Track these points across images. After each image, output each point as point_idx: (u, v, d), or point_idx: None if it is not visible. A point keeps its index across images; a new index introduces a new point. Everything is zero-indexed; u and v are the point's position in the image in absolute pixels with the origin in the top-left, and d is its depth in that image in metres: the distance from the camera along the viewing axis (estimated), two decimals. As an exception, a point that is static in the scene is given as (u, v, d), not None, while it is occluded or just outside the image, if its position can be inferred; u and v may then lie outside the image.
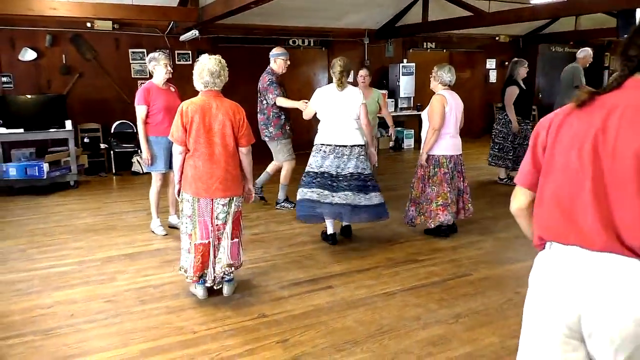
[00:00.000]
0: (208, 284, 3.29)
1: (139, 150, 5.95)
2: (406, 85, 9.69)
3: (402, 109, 9.71)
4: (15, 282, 3.63)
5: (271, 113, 5.23)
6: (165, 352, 2.71)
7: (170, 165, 4.34)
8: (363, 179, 4.12)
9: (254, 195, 3.50)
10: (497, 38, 11.06)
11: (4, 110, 6.49)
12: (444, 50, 10.74)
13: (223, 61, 3.23)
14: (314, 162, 4.19)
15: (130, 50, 7.89)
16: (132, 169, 7.57)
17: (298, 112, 4.69)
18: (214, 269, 3.24)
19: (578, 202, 1.44)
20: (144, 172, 6.95)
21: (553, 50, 11.69)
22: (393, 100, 9.53)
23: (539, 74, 11.45)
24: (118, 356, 2.68)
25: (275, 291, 3.48)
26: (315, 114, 4.28)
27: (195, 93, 3.25)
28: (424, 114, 4.48)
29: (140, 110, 4.41)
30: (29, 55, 7.22)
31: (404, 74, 9.64)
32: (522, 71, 6.42)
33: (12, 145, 6.84)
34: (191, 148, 3.15)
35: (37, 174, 6.28)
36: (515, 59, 6.61)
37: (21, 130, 6.40)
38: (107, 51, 7.75)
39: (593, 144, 1.42)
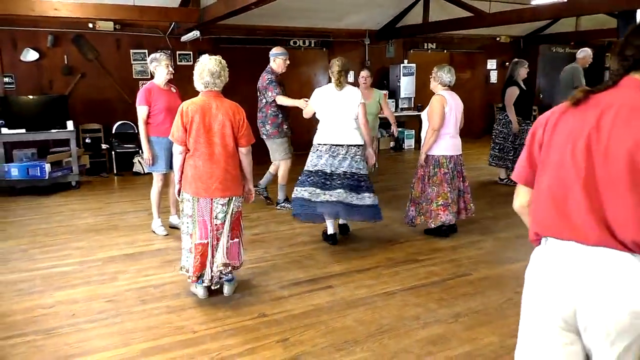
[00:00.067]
0: (205, 284, 3.30)
1: (140, 151, 5.97)
2: (407, 86, 9.70)
3: (402, 109, 9.73)
4: (17, 282, 3.65)
5: (269, 111, 5.26)
6: (166, 352, 2.73)
7: (171, 166, 4.36)
8: (357, 179, 4.13)
9: (254, 195, 3.51)
10: (497, 39, 11.06)
11: (6, 111, 6.51)
12: (445, 51, 10.75)
13: (223, 62, 3.24)
14: (310, 162, 4.23)
15: (131, 51, 7.92)
16: (134, 170, 7.59)
17: (298, 111, 4.70)
18: (211, 269, 3.25)
19: (571, 199, 1.47)
20: (145, 172, 6.97)
21: (554, 50, 11.70)
22: (393, 100, 9.55)
23: (539, 75, 11.46)
24: (119, 355, 2.70)
25: (275, 291, 3.50)
26: (315, 113, 4.30)
27: (196, 93, 3.27)
28: (423, 115, 4.50)
29: (142, 111, 4.43)
30: (30, 55, 7.25)
31: (404, 75, 9.66)
32: (523, 72, 6.42)
33: (14, 146, 6.87)
34: (191, 148, 3.17)
35: (38, 174, 6.31)
36: (516, 59, 6.61)
37: (23, 131, 6.42)
38: (108, 52, 7.78)
39: (587, 141, 1.46)
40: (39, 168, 6.31)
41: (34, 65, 7.31)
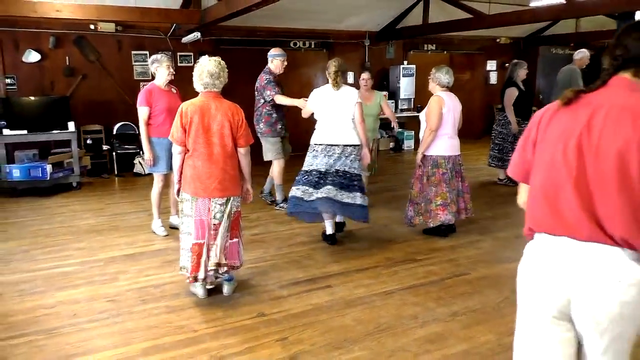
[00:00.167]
0: (199, 283, 3.31)
1: (141, 152, 6.00)
2: (406, 87, 9.74)
3: (402, 110, 9.76)
4: (19, 282, 3.68)
5: (264, 110, 5.31)
6: (166, 351, 2.76)
7: (171, 167, 4.39)
8: (349, 177, 4.16)
9: (252, 195, 3.53)
10: (497, 40, 11.08)
11: (7, 112, 6.55)
12: (445, 52, 10.78)
13: (223, 63, 3.27)
14: (307, 162, 4.28)
15: (132, 52, 7.96)
16: (134, 170, 7.62)
17: (297, 112, 4.73)
18: (205, 268, 3.26)
19: (563, 196, 1.53)
20: (146, 173, 7.00)
21: (553, 52, 11.71)
22: (393, 101, 9.58)
23: (539, 76, 11.47)
24: (119, 355, 2.72)
25: (274, 290, 3.52)
26: (313, 114, 4.34)
27: (196, 94, 3.30)
28: (421, 115, 4.52)
29: (143, 112, 4.46)
30: (32, 57, 7.28)
31: (404, 76, 9.69)
32: (522, 73, 6.45)
33: (16, 147, 6.91)
34: (190, 148, 3.20)
35: (40, 175, 6.34)
36: (515, 60, 6.64)
37: (24, 132, 6.45)
38: (109, 53, 7.81)
39: (578, 141, 1.51)
40: (40, 169, 6.35)
41: (35, 66, 7.35)
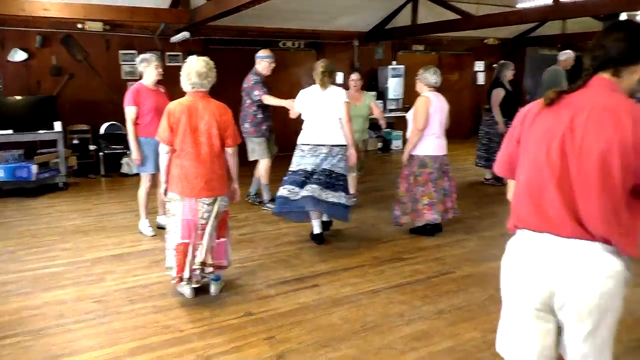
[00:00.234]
0: (185, 283, 3.31)
1: (128, 152, 5.97)
2: (395, 87, 9.78)
3: (391, 110, 9.80)
4: (5, 283, 3.65)
5: (250, 110, 5.32)
6: (153, 351, 2.76)
7: (159, 166, 4.38)
8: (335, 177, 4.19)
9: (239, 195, 3.53)
10: (485, 41, 11.18)
11: (-7, 112, 6.48)
12: (433, 53, 10.84)
13: (211, 62, 3.28)
14: (294, 162, 4.30)
15: (120, 52, 7.91)
16: (122, 171, 7.57)
17: (285, 113, 4.74)
18: (190, 268, 3.26)
19: (546, 195, 1.60)
20: (134, 173, 6.96)
21: (541, 53, 11.83)
22: (382, 101, 9.62)
23: (526, 76, 11.58)
24: (106, 355, 2.72)
25: (262, 290, 3.54)
26: (301, 114, 4.36)
27: (184, 94, 3.30)
28: (409, 115, 4.57)
29: (130, 111, 4.44)
30: (19, 56, 7.20)
31: (393, 76, 9.74)
32: (509, 74, 6.53)
33: (1, 147, 6.81)
34: (178, 148, 3.20)
35: (25, 175, 6.27)
36: (502, 61, 6.71)
37: (10, 132, 6.38)
38: (97, 52, 7.75)
39: (561, 142, 1.57)
40: (26, 169, 6.28)
41: (22, 65, 7.27)
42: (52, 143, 6.83)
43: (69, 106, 7.50)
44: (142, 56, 4.60)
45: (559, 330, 1.69)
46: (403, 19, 8.88)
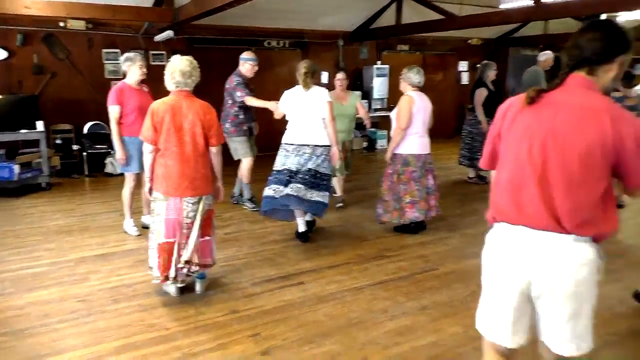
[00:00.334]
0: (170, 282, 3.32)
1: (112, 151, 5.93)
2: (380, 87, 9.86)
3: (376, 110, 9.87)
4: (-13, 283, 3.62)
5: (231, 110, 5.32)
6: (138, 349, 2.76)
7: (143, 166, 4.37)
8: (319, 177, 4.24)
9: (223, 193, 3.54)
10: (469, 41, 11.31)
11: (-27, 111, 6.37)
12: (417, 53, 10.94)
13: (194, 62, 3.29)
14: (278, 161, 4.33)
15: (103, 50, 7.84)
16: (105, 170, 7.51)
17: (269, 113, 4.76)
18: (176, 267, 3.26)
19: (526, 191, 1.68)
20: (118, 173, 6.91)
21: (523, 53, 12.01)
22: (367, 101, 9.68)
23: (509, 76, 11.74)
24: (91, 354, 2.72)
25: (247, 288, 3.56)
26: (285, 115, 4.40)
27: (168, 93, 3.30)
28: (392, 114, 4.62)
29: (113, 111, 4.42)
30: (-1, 54, 7.11)
31: (378, 76, 9.81)
32: (491, 74, 6.63)
33: (-18, 147, 6.73)
34: (162, 147, 3.20)
35: (7, 175, 6.19)
36: (485, 61, 6.82)
37: (-9, 132, 6.30)
38: (80, 51, 7.67)
39: (543, 140, 1.66)
40: (7, 169, 6.19)
41: (2, 64, 7.16)
42: (34, 143, 6.75)
43: (51, 105, 7.41)
44: (126, 55, 4.57)
45: (534, 315, 1.79)
46: (387, 19, 8.94)
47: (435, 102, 4.69)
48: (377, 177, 6.35)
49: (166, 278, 3.27)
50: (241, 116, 5.33)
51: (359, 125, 7.28)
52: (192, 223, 3.26)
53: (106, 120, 4.81)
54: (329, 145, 4.30)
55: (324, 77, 9.31)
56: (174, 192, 3.20)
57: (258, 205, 5.51)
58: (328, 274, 3.81)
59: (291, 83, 4.51)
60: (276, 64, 9.17)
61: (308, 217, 4.63)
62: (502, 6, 7.57)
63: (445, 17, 8.01)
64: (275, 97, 4.89)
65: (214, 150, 3.31)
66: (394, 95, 9.67)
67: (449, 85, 11.49)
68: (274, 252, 4.26)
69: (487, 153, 1.90)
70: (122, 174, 4.87)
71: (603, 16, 6.81)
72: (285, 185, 4.19)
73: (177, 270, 3.26)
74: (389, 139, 9.77)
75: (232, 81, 5.28)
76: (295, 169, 4.22)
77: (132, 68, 4.48)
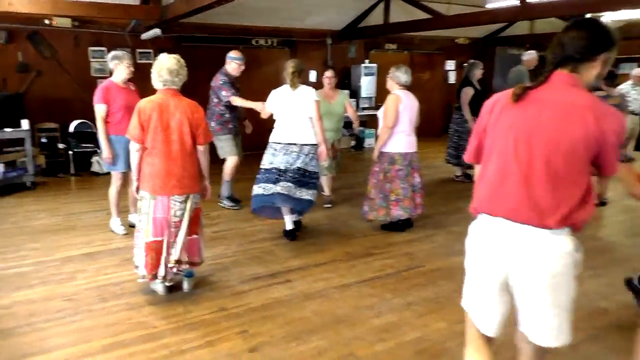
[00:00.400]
0: (159, 281, 3.32)
1: (99, 150, 5.89)
2: (368, 86, 9.91)
3: (363, 108, 9.92)
4: (-29, 283, 3.59)
5: (217, 109, 5.32)
6: (126, 347, 2.77)
7: (130, 165, 4.35)
8: (308, 175, 4.28)
9: (210, 192, 3.54)
10: (456, 40, 11.40)
11: (-44, 109, 6.29)
12: (405, 52, 11.00)
13: (182, 60, 3.29)
14: (266, 159, 4.35)
15: (90, 49, 7.77)
16: (92, 169, 7.46)
17: (258, 112, 4.76)
18: (165, 265, 3.27)
19: (508, 184, 1.73)
20: (104, 172, 6.86)
21: (510, 52, 12.14)
22: (355, 100, 9.72)
23: (496, 75, 11.86)
24: (78, 352, 2.72)
25: (235, 286, 3.57)
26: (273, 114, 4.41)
27: (155, 92, 3.29)
28: (379, 113, 4.66)
29: (100, 109, 4.40)
30: (-18, 52, 7.02)
31: (366, 75, 9.85)
32: (478, 73, 6.70)
33: (-34, 146, 6.64)
34: (149, 146, 3.19)
35: (-8, 174, 6.13)
36: (471, 61, 6.89)
37: (-25, 130, 6.22)
38: (66, 49, 7.60)
39: (527, 136, 1.70)
40: (-8, 168, 6.13)
41: (-14, 62, 7.08)
42: (19, 141, 6.67)
43: (36, 104, 7.34)
44: (113, 53, 4.55)
45: (513, 305, 1.86)
46: (375, 18, 8.98)
47: (422, 101, 4.74)
48: (365, 176, 6.37)
49: (154, 276, 3.27)
50: (227, 115, 5.33)
51: (347, 123, 7.30)
52: (180, 221, 3.26)
53: (92, 118, 4.78)
54: (316, 144, 4.33)
55: (312, 75, 9.32)
56: (162, 191, 3.20)
57: (236, 203, 5.54)
58: (315, 271, 3.84)
59: (279, 82, 4.52)
60: (264, 62, 9.16)
61: (295, 217, 4.66)
62: (488, 6, 7.64)
63: (433, 16, 8.06)
64: (263, 95, 4.91)
65: (201, 148, 3.31)
66: (382, 94, 9.72)
67: (437, 85, 11.57)
68: (262, 250, 4.28)
69: (472, 147, 1.94)
70: (108, 173, 4.85)
71: (588, 16, 6.92)
72: (275, 183, 4.21)
73: (167, 269, 3.26)
74: (376, 137, 9.88)
75: (218, 80, 5.27)
76: (284, 168, 4.24)
77: (119, 66, 4.46)
